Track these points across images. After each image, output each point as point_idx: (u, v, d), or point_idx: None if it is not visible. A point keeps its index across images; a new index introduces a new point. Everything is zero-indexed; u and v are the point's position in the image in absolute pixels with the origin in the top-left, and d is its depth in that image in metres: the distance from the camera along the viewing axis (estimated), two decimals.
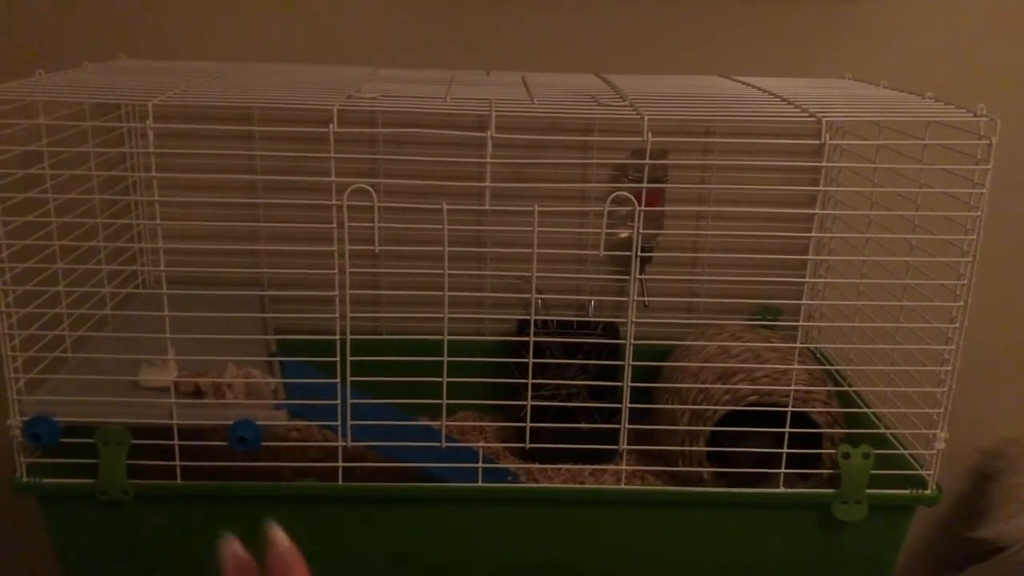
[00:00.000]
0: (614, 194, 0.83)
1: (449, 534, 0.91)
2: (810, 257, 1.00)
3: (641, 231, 0.83)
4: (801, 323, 0.92)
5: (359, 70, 1.08)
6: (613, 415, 1.02)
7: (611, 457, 1.08)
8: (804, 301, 1.03)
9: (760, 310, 1.19)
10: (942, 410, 0.89)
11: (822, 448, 0.97)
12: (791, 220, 1.15)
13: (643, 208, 0.82)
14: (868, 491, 0.89)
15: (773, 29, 1.17)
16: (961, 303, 0.87)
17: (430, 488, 0.91)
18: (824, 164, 0.87)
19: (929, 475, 0.91)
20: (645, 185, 0.86)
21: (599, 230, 0.81)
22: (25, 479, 0.87)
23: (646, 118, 0.80)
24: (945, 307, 0.88)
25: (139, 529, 0.89)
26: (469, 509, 0.91)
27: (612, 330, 1.18)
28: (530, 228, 0.82)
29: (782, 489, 0.91)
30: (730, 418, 0.98)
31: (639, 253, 0.84)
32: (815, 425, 0.98)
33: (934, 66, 1.18)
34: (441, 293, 0.84)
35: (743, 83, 1.05)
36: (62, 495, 0.88)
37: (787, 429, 0.90)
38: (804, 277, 1.15)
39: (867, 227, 1.03)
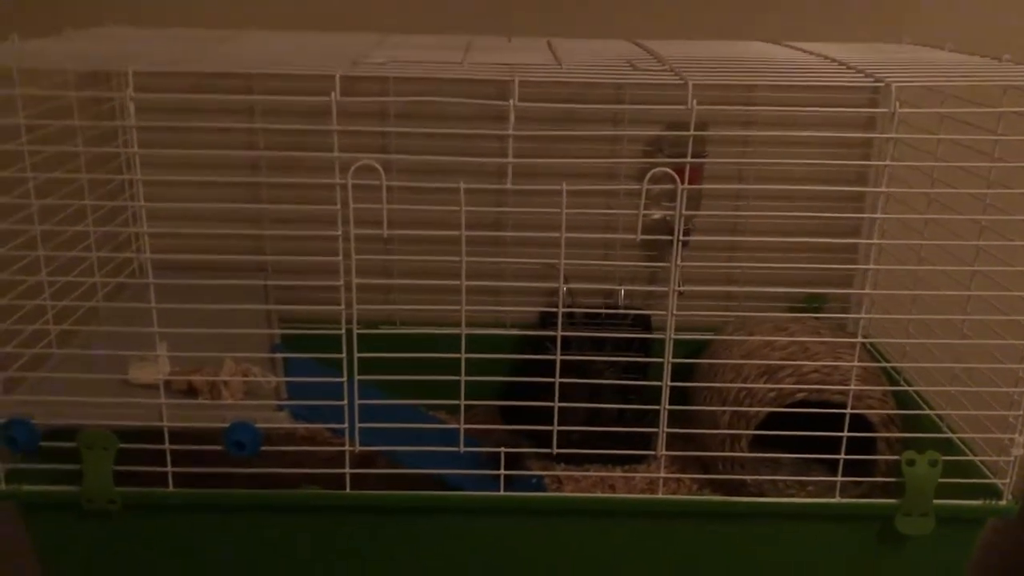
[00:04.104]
0: (653, 171, 0.73)
1: (468, 548, 0.85)
2: (869, 241, 0.90)
3: (683, 212, 0.74)
4: (862, 315, 0.82)
5: (368, 36, 1.00)
6: (644, 414, 0.93)
7: (641, 457, 1.01)
8: (858, 290, 0.93)
9: (806, 298, 1.10)
10: (1021, 413, 0.80)
11: (876, 452, 0.88)
12: (839, 199, 1.05)
13: (686, 187, 0.73)
14: (935, 502, 0.80)
15: None
16: None
17: (447, 497, 0.84)
18: (893, 136, 0.77)
19: (1004, 484, 0.82)
20: (688, 160, 0.76)
21: (631, 211, 0.72)
22: (4, 486, 0.81)
23: (690, 83, 0.71)
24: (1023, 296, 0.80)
25: (129, 540, 0.84)
26: (491, 520, 0.84)
27: (643, 321, 1.09)
28: (555, 209, 0.74)
29: (838, 499, 0.82)
30: (770, 418, 0.90)
31: (680, 237, 0.75)
32: (870, 426, 0.89)
33: (1006, 29, 1.07)
34: (457, 282, 0.75)
35: (793, 48, 0.96)
36: (45, 503, 0.82)
37: (845, 433, 0.81)
38: (854, 263, 1.05)
39: (927, 207, 0.94)
